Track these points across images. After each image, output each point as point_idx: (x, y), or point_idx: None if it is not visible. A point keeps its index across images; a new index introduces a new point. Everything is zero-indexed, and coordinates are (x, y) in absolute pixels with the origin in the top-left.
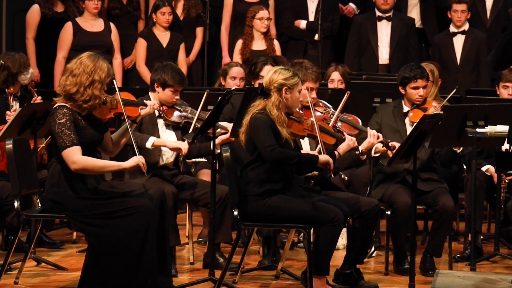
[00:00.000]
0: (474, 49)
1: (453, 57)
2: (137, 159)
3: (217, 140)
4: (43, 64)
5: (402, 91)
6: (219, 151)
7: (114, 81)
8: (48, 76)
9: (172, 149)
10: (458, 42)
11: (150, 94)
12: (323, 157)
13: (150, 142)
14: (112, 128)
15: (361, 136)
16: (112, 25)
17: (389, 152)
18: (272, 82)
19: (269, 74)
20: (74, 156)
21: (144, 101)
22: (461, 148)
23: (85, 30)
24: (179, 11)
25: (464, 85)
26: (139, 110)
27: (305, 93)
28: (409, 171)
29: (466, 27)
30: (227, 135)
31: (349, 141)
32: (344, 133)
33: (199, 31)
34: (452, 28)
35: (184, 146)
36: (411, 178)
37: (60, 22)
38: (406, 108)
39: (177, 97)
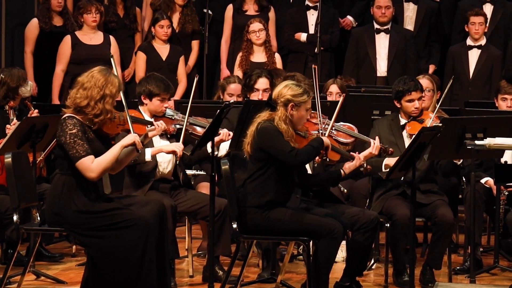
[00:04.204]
0: (488, 65)
1: (466, 70)
2: (133, 137)
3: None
4: (41, 78)
5: (398, 105)
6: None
7: (122, 98)
8: (46, 90)
9: (168, 152)
10: (473, 56)
11: (140, 108)
12: (325, 139)
13: (148, 154)
14: (112, 142)
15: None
16: (112, 38)
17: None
18: (280, 96)
19: (279, 87)
20: (90, 165)
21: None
22: (461, 160)
23: (84, 43)
24: (175, 24)
25: (474, 99)
26: (147, 129)
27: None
28: (408, 183)
29: (483, 41)
30: (221, 136)
31: (357, 161)
32: (353, 153)
33: (195, 44)
34: (469, 41)
35: (178, 147)
36: (410, 190)
37: (59, 36)
38: (403, 121)
39: (166, 105)
